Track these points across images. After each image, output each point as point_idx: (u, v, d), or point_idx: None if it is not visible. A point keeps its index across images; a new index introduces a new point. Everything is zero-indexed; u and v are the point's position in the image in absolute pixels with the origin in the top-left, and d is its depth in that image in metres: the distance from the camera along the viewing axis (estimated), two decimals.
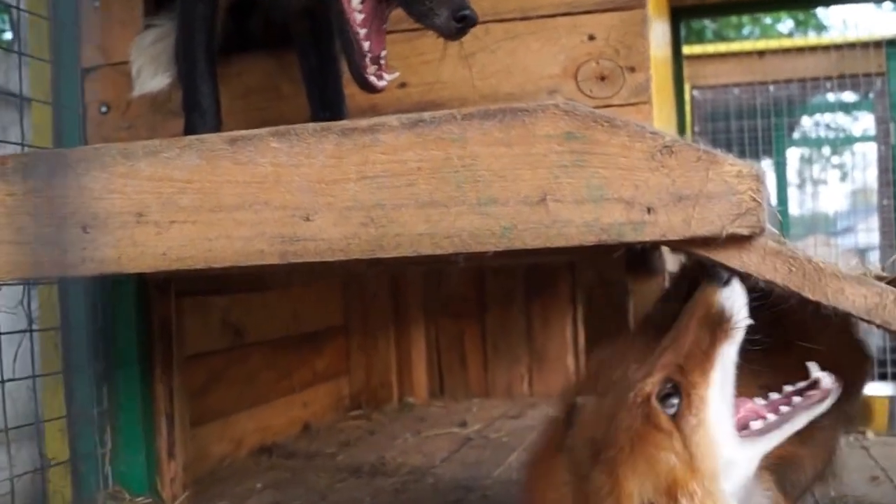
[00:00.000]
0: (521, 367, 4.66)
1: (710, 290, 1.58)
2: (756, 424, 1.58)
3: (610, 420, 1.52)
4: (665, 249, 2.41)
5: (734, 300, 1.57)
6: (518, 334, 4.66)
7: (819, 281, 1.52)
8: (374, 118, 1.71)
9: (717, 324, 1.56)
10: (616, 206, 1.56)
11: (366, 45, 2.00)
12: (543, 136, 1.59)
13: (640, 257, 2.46)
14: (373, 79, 2.01)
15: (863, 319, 1.54)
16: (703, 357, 1.55)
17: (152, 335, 2.81)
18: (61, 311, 2.67)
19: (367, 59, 2.00)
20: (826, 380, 1.60)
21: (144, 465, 2.77)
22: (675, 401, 1.51)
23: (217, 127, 2.19)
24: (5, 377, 2.39)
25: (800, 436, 1.64)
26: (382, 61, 2.03)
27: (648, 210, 1.55)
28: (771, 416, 1.59)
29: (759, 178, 1.51)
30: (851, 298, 1.52)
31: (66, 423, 2.66)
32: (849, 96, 7.49)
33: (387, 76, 2.03)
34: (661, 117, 2.71)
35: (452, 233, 1.63)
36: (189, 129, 2.19)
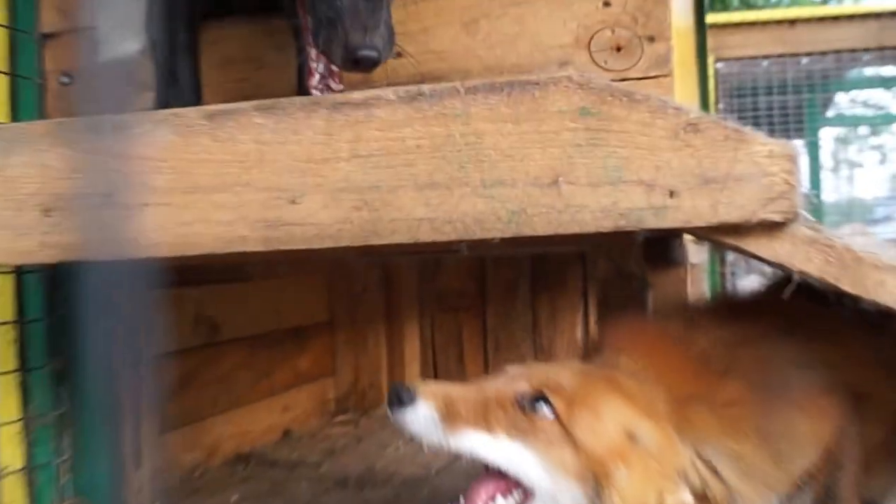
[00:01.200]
0: None
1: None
2: None
3: None
4: (688, 238, 2.42)
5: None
6: (522, 330, 4.63)
7: (858, 272, 1.53)
8: (368, 91, 1.72)
9: None
10: (635, 190, 1.58)
11: (312, 51, 2.00)
12: (555, 112, 1.61)
13: (659, 247, 2.46)
14: (315, 93, 2.01)
15: None
16: None
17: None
18: (16, 302, 2.68)
19: (316, 72, 2.01)
20: None
21: (108, 475, 2.76)
22: None
23: (196, 104, 2.18)
24: None
25: None
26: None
27: (671, 194, 1.56)
28: None
29: (792, 159, 1.53)
30: (894, 291, 1.54)
31: (22, 427, 2.67)
32: (890, 70, 7.50)
33: (334, 86, 2.03)
34: (683, 92, 2.71)
35: (455, 217, 1.64)
36: (162, 105, 2.18)
